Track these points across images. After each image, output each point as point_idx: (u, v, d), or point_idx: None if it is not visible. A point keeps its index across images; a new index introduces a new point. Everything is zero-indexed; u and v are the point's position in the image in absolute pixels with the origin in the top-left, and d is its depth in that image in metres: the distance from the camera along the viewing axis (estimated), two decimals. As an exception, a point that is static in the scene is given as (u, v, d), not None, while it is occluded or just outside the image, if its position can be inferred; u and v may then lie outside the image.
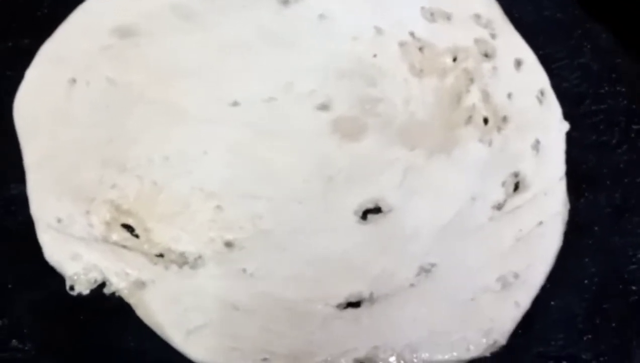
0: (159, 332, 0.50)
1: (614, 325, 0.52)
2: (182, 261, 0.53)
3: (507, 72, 0.66)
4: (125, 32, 0.65)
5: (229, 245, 0.54)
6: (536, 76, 0.66)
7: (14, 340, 0.49)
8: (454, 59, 0.67)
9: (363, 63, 0.66)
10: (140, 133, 0.59)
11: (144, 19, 0.66)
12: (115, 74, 0.62)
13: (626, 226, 0.57)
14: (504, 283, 0.53)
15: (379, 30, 0.68)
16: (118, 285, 0.51)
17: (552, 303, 0.53)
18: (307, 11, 0.69)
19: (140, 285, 0.51)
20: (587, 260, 0.55)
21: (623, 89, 0.65)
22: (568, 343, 0.51)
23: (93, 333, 0.50)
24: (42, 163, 0.56)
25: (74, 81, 0.61)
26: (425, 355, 0.50)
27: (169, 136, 0.59)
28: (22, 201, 0.54)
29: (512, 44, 0.68)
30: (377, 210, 0.57)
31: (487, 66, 0.66)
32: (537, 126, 0.62)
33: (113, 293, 0.51)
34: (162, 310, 0.50)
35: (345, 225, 0.56)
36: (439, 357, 0.50)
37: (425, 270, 0.54)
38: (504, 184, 0.59)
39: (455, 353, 0.50)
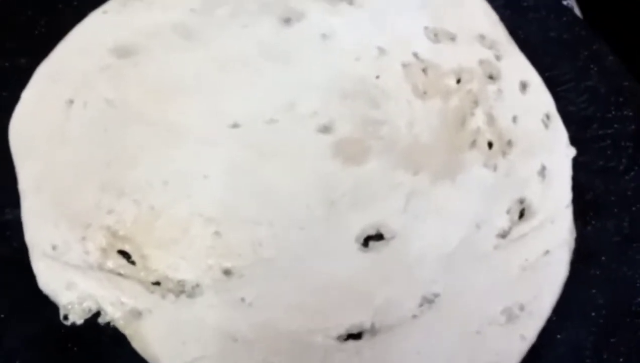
0: (155, 364, 0.49)
1: (621, 360, 0.50)
2: (180, 289, 0.52)
3: (512, 94, 0.65)
4: (124, 52, 0.64)
5: (227, 272, 0.53)
6: (542, 98, 0.65)
7: (6, 371, 0.47)
8: (458, 81, 0.66)
9: (366, 84, 0.65)
10: (139, 156, 0.58)
11: (143, 38, 0.65)
12: (113, 94, 0.61)
13: (634, 256, 0.56)
14: (510, 315, 0.52)
15: (382, 51, 0.67)
16: (113, 314, 0.50)
17: (559, 336, 0.51)
18: (310, 30, 0.68)
19: (136, 314, 0.50)
20: (594, 291, 0.54)
21: (631, 113, 0.64)
22: (575, 378, 0.50)
23: (87, 365, 0.48)
24: (37, 187, 0.55)
25: (71, 101, 0.60)
26: (429, 391, 0.49)
27: (168, 159, 0.58)
28: (17, 227, 0.53)
29: (517, 66, 0.67)
30: (379, 237, 0.56)
31: (491, 88, 0.65)
32: (543, 150, 0.61)
33: (108, 324, 0.50)
34: (158, 341, 0.49)
35: (347, 252, 0.55)
36: (444, 392, 0.49)
37: (429, 301, 0.52)
38: (509, 211, 0.58)
39: (460, 389, 0.49)
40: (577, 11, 0.81)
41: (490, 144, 0.62)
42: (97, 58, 0.63)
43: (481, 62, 0.67)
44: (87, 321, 0.50)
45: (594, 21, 0.71)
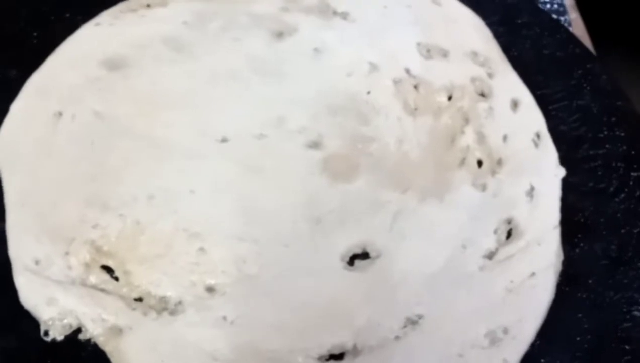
0: (134, 382, 0.48)
1: (606, 386, 0.50)
2: (162, 306, 0.51)
3: (503, 113, 0.65)
4: (114, 64, 0.64)
5: (210, 290, 0.52)
6: (533, 117, 0.65)
7: (-16, 387, 0.47)
8: (449, 98, 0.65)
9: (356, 100, 0.64)
10: (126, 170, 0.58)
11: (134, 50, 0.65)
12: (102, 107, 0.61)
13: (622, 280, 0.55)
14: (493, 339, 0.51)
15: (373, 66, 0.67)
16: (94, 331, 0.50)
17: (543, 361, 0.51)
18: (302, 45, 0.68)
19: (117, 331, 0.50)
20: (580, 315, 0.53)
21: (623, 134, 0.63)
22: (558, 405, 0.50)
23: (66, 382, 0.48)
24: (22, 201, 0.55)
25: (60, 114, 0.60)
26: (410, 414, 0.48)
27: (155, 173, 0.58)
28: (1, 240, 0.53)
29: (509, 84, 0.67)
30: (364, 255, 0.55)
31: (482, 105, 0.65)
32: (532, 170, 0.61)
33: (88, 341, 0.49)
34: (138, 359, 0.49)
35: (331, 271, 0.54)
36: (425, 415, 0.49)
37: (412, 322, 0.52)
38: (496, 231, 0.57)
39: (441, 413, 0.49)
40: (579, 24, 0.81)
41: (479, 163, 0.61)
42: (87, 70, 0.63)
43: (473, 79, 0.66)
44: (67, 337, 0.49)
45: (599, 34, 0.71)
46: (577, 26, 0.82)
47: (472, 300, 0.53)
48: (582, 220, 0.58)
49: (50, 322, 0.50)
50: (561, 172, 0.60)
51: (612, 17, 0.99)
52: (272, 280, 0.53)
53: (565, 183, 0.60)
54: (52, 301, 0.50)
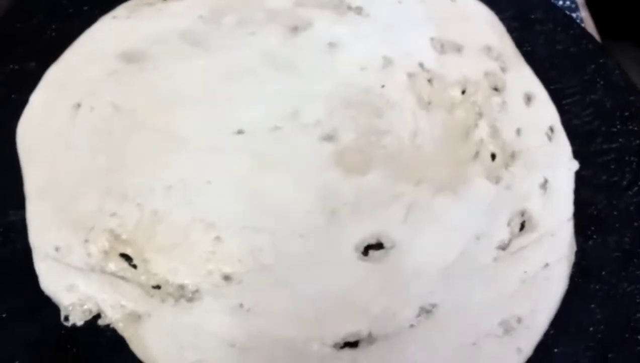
0: (152, 367, 0.49)
1: (619, 376, 0.50)
2: (179, 294, 0.52)
3: (517, 107, 0.65)
4: (131, 57, 0.64)
5: (227, 278, 0.53)
6: (546, 111, 0.65)
7: (5, 371, 0.48)
8: (463, 92, 0.66)
9: (371, 94, 0.65)
10: (143, 161, 0.58)
11: (151, 44, 0.66)
12: (120, 99, 0.61)
13: (635, 272, 0.55)
14: (507, 328, 0.52)
15: (388, 61, 0.67)
16: (113, 316, 0.50)
17: (556, 350, 0.51)
18: (316, 39, 0.68)
19: (136, 317, 0.51)
20: (593, 305, 0.53)
21: (635, 128, 0.64)
22: (571, 394, 0.50)
23: (86, 367, 0.49)
24: (42, 190, 0.56)
25: (78, 105, 0.61)
26: (424, 401, 0.49)
27: (171, 165, 0.58)
28: (21, 228, 0.54)
29: (523, 78, 0.67)
30: (379, 246, 0.56)
31: (496, 100, 0.65)
32: (546, 164, 0.61)
33: (107, 327, 0.50)
34: (156, 345, 0.50)
35: (346, 261, 0.55)
36: (438, 403, 0.49)
37: (426, 311, 0.53)
38: (509, 223, 0.57)
39: (454, 400, 0.49)
40: (589, 22, 0.81)
41: (493, 156, 0.62)
42: (105, 63, 0.64)
43: (487, 73, 0.67)
44: (86, 323, 0.50)
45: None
46: (587, 25, 0.82)
47: (486, 291, 0.54)
48: (595, 213, 0.59)
49: (70, 308, 0.51)
50: (574, 165, 0.61)
51: (621, 16, 0.99)
52: (288, 270, 0.54)
53: (579, 177, 0.60)
54: (72, 287, 0.51)
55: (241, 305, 0.52)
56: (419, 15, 0.71)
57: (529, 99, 0.65)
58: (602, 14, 0.85)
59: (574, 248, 0.56)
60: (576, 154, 0.62)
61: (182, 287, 0.52)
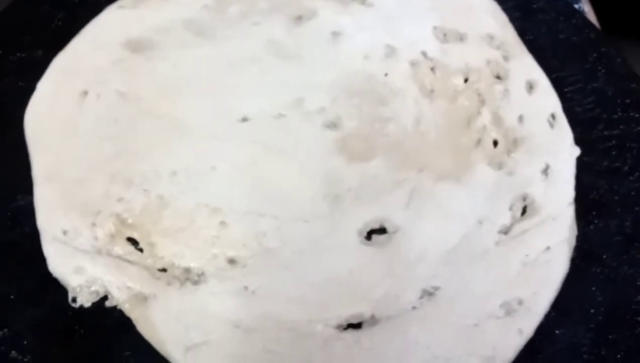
0: (158, 348, 0.50)
1: (619, 356, 0.50)
2: (185, 277, 0.53)
3: (519, 94, 0.65)
4: (137, 46, 0.65)
5: (231, 262, 0.54)
6: (548, 99, 0.65)
7: (13, 352, 0.48)
8: (466, 80, 0.66)
9: (374, 82, 0.66)
10: (149, 148, 0.59)
11: (156, 33, 0.67)
12: (125, 87, 0.62)
13: (635, 255, 0.55)
14: (508, 310, 0.52)
15: (391, 49, 0.68)
16: (120, 298, 0.51)
17: (557, 332, 0.52)
18: (320, 28, 0.69)
19: (142, 299, 0.51)
20: (594, 288, 0.54)
21: (637, 115, 0.64)
22: (572, 374, 0.50)
23: (93, 347, 0.49)
24: (49, 175, 0.57)
25: (85, 93, 0.62)
26: (425, 380, 0.49)
27: (177, 152, 0.59)
28: (29, 212, 0.55)
29: (525, 67, 0.68)
30: (382, 231, 0.56)
31: (498, 87, 0.66)
32: (548, 150, 0.61)
33: (114, 308, 0.51)
34: (162, 326, 0.50)
35: (349, 245, 0.56)
36: (440, 382, 0.49)
37: (429, 293, 0.53)
38: (511, 208, 0.58)
39: (456, 380, 0.50)
40: (591, 16, 0.82)
41: (495, 143, 0.62)
42: (111, 52, 0.65)
43: (489, 62, 0.67)
44: (93, 305, 0.51)
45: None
46: (589, 16, 0.82)
47: (487, 274, 0.54)
48: (597, 198, 0.59)
49: (78, 289, 0.51)
50: (576, 151, 0.61)
51: (622, 9, 0.99)
52: (292, 254, 0.55)
53: (581, 163, 0.61)
54: (79, 269, 0.52)
55: (246, 288, 0.52)
56: (421, 4, 0.72)
57: (531, 86, 0.66)
58: (604, 7, 0.85)
59: (575, 232, 0.56)
60: (578, 141, 0.62)
61: (187, 270, 0.53)
